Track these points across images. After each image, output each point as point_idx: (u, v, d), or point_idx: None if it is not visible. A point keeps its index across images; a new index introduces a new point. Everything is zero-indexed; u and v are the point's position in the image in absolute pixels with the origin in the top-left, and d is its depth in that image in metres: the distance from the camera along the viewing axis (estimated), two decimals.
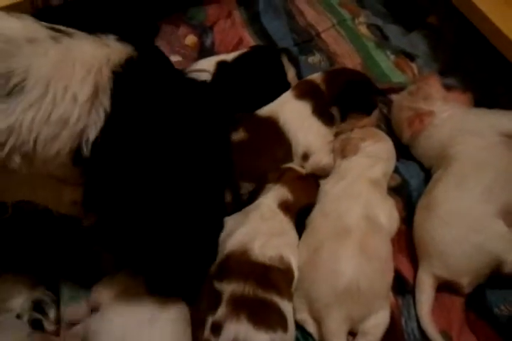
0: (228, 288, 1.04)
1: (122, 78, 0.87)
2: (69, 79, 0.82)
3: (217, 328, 1.00)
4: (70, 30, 0.88)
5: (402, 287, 1.18)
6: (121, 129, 0.87)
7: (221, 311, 1.02)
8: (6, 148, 0.81)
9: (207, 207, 1.03)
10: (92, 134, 0.84)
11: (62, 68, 0.82)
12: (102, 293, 1.07)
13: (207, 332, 1.01)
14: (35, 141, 0.81)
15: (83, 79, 0.83)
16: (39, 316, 1.10)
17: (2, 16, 0.85)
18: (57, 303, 1.13)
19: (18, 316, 1.10)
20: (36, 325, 1.09)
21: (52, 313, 1.11)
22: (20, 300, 1.11)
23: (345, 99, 1.33)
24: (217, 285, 1.05)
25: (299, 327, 1.11)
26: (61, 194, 0.94)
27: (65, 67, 0.82)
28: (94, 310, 1.07)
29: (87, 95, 0.83)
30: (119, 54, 0.89)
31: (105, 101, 0.85)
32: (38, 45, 0.82)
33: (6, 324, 1.08)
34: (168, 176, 0.93)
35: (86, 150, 0.85)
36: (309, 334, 1.11)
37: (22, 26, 0.83)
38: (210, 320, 1.02)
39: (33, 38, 0.82)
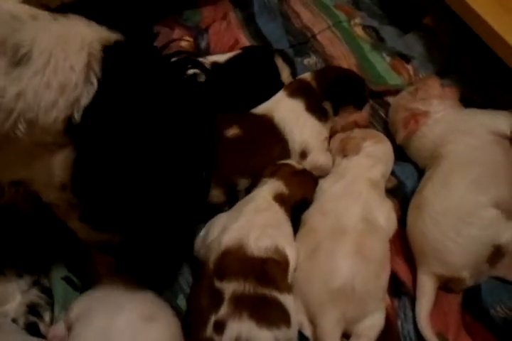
0: (229, 288, 1.04)
1: (112, 51, 0.94)
2: (66, 51, 0.90)
3: (220, 327, 1.01)
4: (65, 14, 0.96)
5: (399, 289, 1.18)
6: (110, 96, 0.93)
7: (223, 310, 1.02)
8: (14, 114, 0.87)
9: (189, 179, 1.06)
10: (84, 101, 0.91)
11: (61, 41, 0.91)
12: (77, 311, 1.05)
13: (209, 331, 1.01)
14: (38, 107, 0.88)
15: (78, 50, 0.91)
16: (35, 319, 1.10)
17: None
18: (51, 305, 1.13)
19: (14, 320, 1.10)
20: (32, 329, 1.09)
21: (47, 316, 1.11)
22: (14, 305, 1.11)
23: (336, 93, 1.36)
24: (218, 284, 1.05)
25: None
26: (52, 173, 0.97)
27: (63, 41, 0.91)
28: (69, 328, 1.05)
29: (82, 64, 0.91)
30: (109, 35, 0.97)
31: (97, 70, 0.92)
32: (40, 21, 0.91)
33: (4, 327, 1.07)
34: (153, 142, 0.98)
35: (77, 116, 0.91)
36: (305, 337, 1.11)
37: (23, 6, 0.93)
38: (212, 319, 1.02)
39: (36, 15, 0.91)
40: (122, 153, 0.95)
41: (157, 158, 0.97)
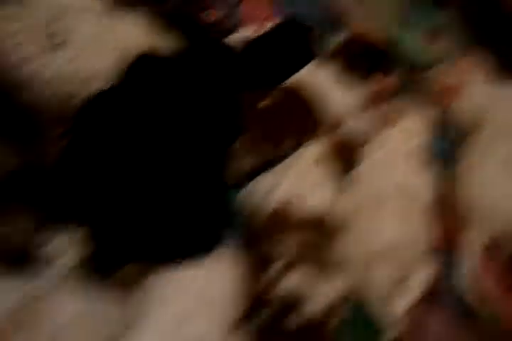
0: (287, 241, 1.06)
1: (145, 61, 1.00)
2: (100, 48, 0.96)
3: (279, 277, 1.03)
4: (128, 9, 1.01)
5: (442, 251, 1.20)
6: (111, 97, 0.98)
7: (283, 261, 1.04)
8: (46, 94, 0.94)
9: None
10: None
11: (98, 38, 0.96)
12: None
13: (269, 278, 1.03)
14: (62, 93, 0.95)
15: (112, 50, 0.96)
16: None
17: None
18: None
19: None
20: None
21: None
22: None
23: (364, 61, 1.39)
24: (276, 237, 1.08)
25: None
26: None
27: (100, 38, 0.96)
28: None
29: (109, 64, 0.97)
30: (156, 46, 1.03)
31: (121, 73, 0.98)
32: (88, 14, 0.95)
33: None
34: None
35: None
36: None
37: None
38: (273, 267, 1.04)
39: (87, 8, 0.95)
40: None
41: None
